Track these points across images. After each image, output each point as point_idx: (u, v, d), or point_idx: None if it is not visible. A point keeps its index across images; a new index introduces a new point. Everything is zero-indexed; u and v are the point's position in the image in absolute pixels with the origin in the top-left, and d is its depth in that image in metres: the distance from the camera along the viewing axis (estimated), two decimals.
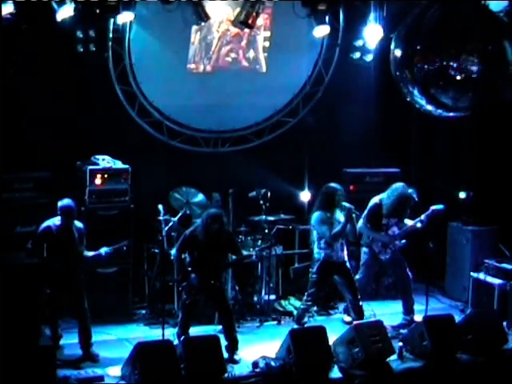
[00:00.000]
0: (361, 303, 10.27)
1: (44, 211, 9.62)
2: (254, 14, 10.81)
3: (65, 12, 9.75)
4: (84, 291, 9.39)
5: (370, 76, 12.02)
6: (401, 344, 9.54)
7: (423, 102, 9.72)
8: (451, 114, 9.94)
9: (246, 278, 10.91)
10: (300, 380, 8.85)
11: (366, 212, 10.55)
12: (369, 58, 11.60)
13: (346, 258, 10.26)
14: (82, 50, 10.13)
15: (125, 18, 10.29)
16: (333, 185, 10.25)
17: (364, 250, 10.70)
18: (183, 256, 9.60)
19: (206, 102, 11.49)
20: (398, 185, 10.62)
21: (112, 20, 10.38)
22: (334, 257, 10.13)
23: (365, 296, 10.57)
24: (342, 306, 10.99)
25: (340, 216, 10.13)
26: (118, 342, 9.94)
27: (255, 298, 10.93)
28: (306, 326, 10.18)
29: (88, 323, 9.39)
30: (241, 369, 9.16)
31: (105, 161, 10.64)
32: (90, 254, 9.39)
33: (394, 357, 9.36)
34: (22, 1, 9.40)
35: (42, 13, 9.78)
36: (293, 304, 11.21)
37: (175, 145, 11.60)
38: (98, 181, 10.48)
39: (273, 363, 8.98)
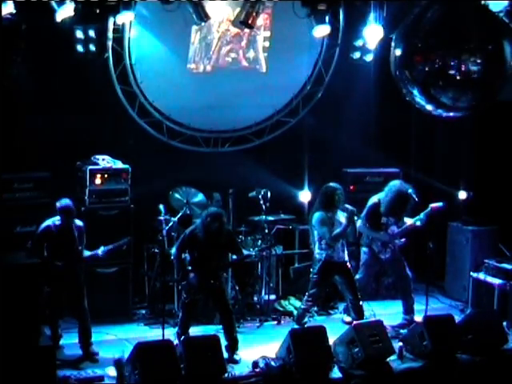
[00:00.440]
0: (361, 303, 10.28)
1: (44, 211, 9.63)
2: (254, 13, 10.81)
3: (65, 12, 9.75)
4: (84, 291, 9.40)
5: (370, 76, 12.02)
6: (401, 344, 9.54)
7: (423, 101, 9.70)
8: (451, 114, 9.93)
9: (245, 278, 10.92)
10: (300, 380, 8.85)
11: (364, 212, 10.55)
12: (369, 58, 11.61)
13: (346, 258, 10.27)
14: (82, 50, 10.14)
15: (125, 18, 10.29)
16: (332, 184, 10.25)
17: (364, 249, 10.70)
18: (183, 255, 9.60)
19: (206, 102, 11.49)
20: (395, 182, 10.63)
21: (112, 20, 10.37)
22: (335, 257, 10.13)
23: (365, 296, 10.58)
24: (342, 306, 10.99)
25: (341, 216, 10.13)
26: (118, 342, 9.94)
27: (255, 298, 10.94)
28: (305, 325, 10.18)
29: (88, 323, 9.40)
30: (241, 369, 9.17)
31: (105, 161, 10.64)
32: (88, 253, 9.40)
33: (393, 357, 9.36)
34: (22, 1, 9.40)
35: (42, 13, 9.78)
36: (293, 304, 11.20)
37: (175, 145, 11.60)
38: (97, 181, 10.48)
39: (273, 363, 8.98)
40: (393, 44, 9.87)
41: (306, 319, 10.35)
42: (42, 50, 10.25)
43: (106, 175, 10.52)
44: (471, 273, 11.35)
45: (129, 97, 11.18)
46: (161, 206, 10.57)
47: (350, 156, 12.02)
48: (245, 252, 10.30)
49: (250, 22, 10.85)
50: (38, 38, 9.95)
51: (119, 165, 10.68)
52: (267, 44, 11.79)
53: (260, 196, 10.91)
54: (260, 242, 10.92)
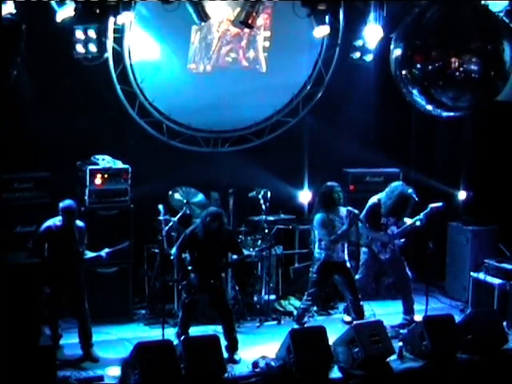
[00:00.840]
0: (361, 303, 10.28)
1: (44, 211, 9.64)
2: (254, 13, 10.80)
3: (65, 12, 9.74)
4: (84, 291, 9.40)
5: (370, 76, 12.02)
6: (401, 344, 9.54)
7: (423, 101, 9.70)
8: (451, 114, 9.93)
9: (245, 278, 10.92)
10: (300, 380, 8.86)
11: (364, 212, 10.55)
12: (369, 58, 11.59)
13: (346, 258, 10.27)
14: (82, 50, 10.13)
15: (125, 18, 10.29)
16: (329, 184, 10.28)
17: (363, 249, 10.71)
18: (183, 255, 9.60)
19: (206, 101, 11.49)
20: (397, 184, 10.64)
21: (112, 20, 10.37)
22: (334, 257, 10.14)
23: (365, 296, 10.59)
24: (342, 306, 10.99)
25: (343, 212, 10.12)
26: (118, 341, 9.94)
27: (255, 298, 10.94)
28: (306, 325, 10.19)
29: (88, 323, 9.40)
30: (241, 369, 9.17)
31: (105, 161, 10.64)
32: (91, 254, 9.39)
33: (393, 357, 9.37)
34: (22, 1, 9.40)
35: (42, 13, 9.78)
36: (293, 304, 11.21)
37: (175, 145, 11.60)
38: (98, 181, 10.48)
39: (273, 363, 8.99)
40: (393, 44, 9.87)
41: (305, 319, 10.35)
42: (42, 50, 10.25)
43: (106, 175, 10.51)
44: (471, 273, 11.35)
45: (129, 97, 11.18)
46: (160, 207, 10.57)
47: (350, 156, 12.01)
48: (245, 252, 10.30)
49: (250, 21, 10.84)
50: (38, 38, 9.94)
51: (119, 165, 10.68)
52: (267, 44, 11.79)
53: (260, 196, 10.92)
54: (260, 242, 10.93)
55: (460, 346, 9.55)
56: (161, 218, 10.54)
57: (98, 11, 9.89)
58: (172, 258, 9.81)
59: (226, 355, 9.15)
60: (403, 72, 9.63)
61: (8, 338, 8.19)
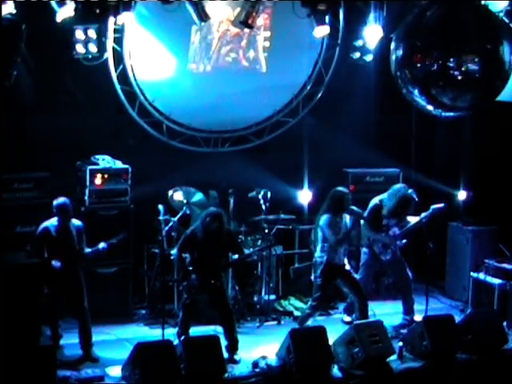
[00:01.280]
0: (367, 303, 10.27)
1: (44, 211, 9.63)
2: (254, 13, 10.80)
3: (65, 12, 9.75)
4: (84, 291, 9.40)
5: (370, 76, 12.03)
6: (401, 344, 9.54)
7: (423, 102, 9.71)
8: (451, 114, 9.94)
9: (245, 278, 10.91)
10: (300, 380, 8.86)
11: (366, 213, 10.54)
12: (369, 58, 11.60)
13: (345, 261, 10.26)
14: (82, 50, 10.13)
15: (125, 18, 10.28)
16: (341, 189, 10.25)
17: (364, 250, 10.70)
18: (184, 256, 9.60)
19: (206, 101, 11.49)
20: (399, 186, 10.66)
21: (112, 20, 10.37)
22: (336, 260, 10.12)
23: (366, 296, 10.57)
24: (342, 306, 10.99)
25: (346, 218, 10.14)
26: (118, 342, 9.94)
27: (255, 298, 10.94)
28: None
29: (88, 323, 9.39)
30: (241, 369, 9.17)
31: (105, 161, 10.64)
32: (89, 250, 9.40)
33: (394, 357, 9.37)
34: (22, 1, 9.40)
35: (42, 13, 9.78)
36: (293, 304, 11.21)
37: (175, 145, 11.60)
38: (98, 181, 10.48)
39: (273, 363, 8.99)
40: (393, 44, 9.87)
41: (309, 322, 10.31)
42: (42, 50, 10.25)
43: (106, 175, 10.51)
44: (471, 273, 11.35)
45: (129, 97, 11.17)
46: (160, 207, 10.57)
47: (350, 156, 12.01)
48: (245, 252, 10.30)
49: (250, 22, 10.84)
50: (38, 38, 9.95)
51: (119, 165, 10.68)
52: (267, 44, 11.79)
53: (260, 196, 10.92)
54: (260, 242, 10.92)
55: (460, 346, 9.55)
56: (161, 218, 10.53)
57: (97, 11, 9.89)
58: (172, 258, 9.80)
59: (226, 355, 9.15)
60: (403, 72, 9.63)
61: (8, 337, 8.19)
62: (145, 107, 11.32)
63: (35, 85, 10.42)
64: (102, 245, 9.35)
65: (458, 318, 9.98)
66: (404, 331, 9.99)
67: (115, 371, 8.86)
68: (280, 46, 11.75)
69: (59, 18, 9.79)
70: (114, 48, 10.81)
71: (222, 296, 9.66)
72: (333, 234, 10.02)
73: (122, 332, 10.22)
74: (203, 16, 10.61)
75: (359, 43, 11.50)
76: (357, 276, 10.54)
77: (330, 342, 9.20)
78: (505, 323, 10.17)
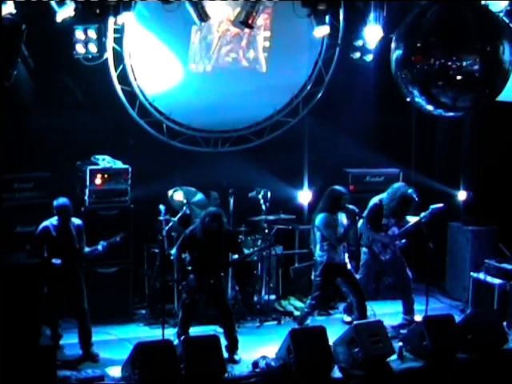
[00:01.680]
0: (366, 303, 10.27)
1: (44, 211, 9.63)
2: (254, 13, 10.81)
3: (65, 12, 9.75)
4: (84, 291, 9.40)
5: (370, 76, 12.02)
6: (401, 344, 9.54)
7: (423, 102, 9.70)
8: (451, 114, 9.93)
9: (245, 278, 10.91)
10: (300, 380, 8.86)
11: (366, 213, 10.54)
12: (369, 58, 11.60)
13: (346, 260, 10.26)
14: (82, 50, 10.13)
15: (125, 18, 10.28)
16: (339, 188, 10.25)
17: (364, 250, 10.70)
18: (183, 256, 9.60)
19: (206, 101, 11.49)
20: (399, 185, 10.65)
21: (112, 20, 10.37)
22: (336, 259, 10.13)
23: (365, 296, 10.56)
24: (342, 306, 10.99)
25: (343, 218, 10.14)
26: (118, 342, 9.94)
27: (255, 298, 10.94)
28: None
29: (88, 323, 9.40)
30: (241, 369, 9.17)
31: (105, 161, 10.65)
32: (88, 249, 9.41)
33: (394, 357, 9.37)
34: (22, 1, 9.40)
35: (42, 13, 9.78)
36: (293, 304, 11.21)
37: (175, 145, 11.60)
38: (98, 181, 10.48)
39: (273, 363, 8.99)
40: (393, 44, 9.86)
41: (308, 321, 10.32)
42: (42, 49, 10.25)
43: (106, 175, 10.51)
44: (471, 273, 11.35)
45: (129, 97, 11.17)
46: (161, 207, 10.57)
47: (350, 156, 12.01)
48: (245, 252, 10.30)
49: (250, 21, 10.85)
50: (38, 38, 9.95)
51: (119, 165, 10.69)
52: (267, 44, 11.78)
53: (260, 196, 10.92)
54: (260, 242, 10.92)
55: (460, 345, 9.55)
56: (161, 217, 10.53)
57: (97, 11, 9.89)
58: (172, 258, 9.81)
59: (226, 355, 9.15)
60: (403, 72, 9.63)
61: (8, 337, 8.19)
62: (145, 107, 11.32)
63: (35, 85, 10.42)
64: (100, 244, 9.35)
65: (458, 318, 9.97)
66: (404, 331, 9.99)
67: (115, 371, 8.86)
68: (280, 46, 11.75)
69: (59, 18, 9.80)
70: (114, 48, 10.81)
71: (222, 296, 9.66)
72: (332, 233, 10.02)
73: (122, 332, 10.22)
74: (203, 16, 10.61)
75: (359, 43, 11.50)
76: (357, 276, 10.55)
77: (330, 342, 9.20)
78: (505, 323, 10.16)
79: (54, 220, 9.28)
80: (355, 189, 11.79)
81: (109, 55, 10.72)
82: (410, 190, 10.50)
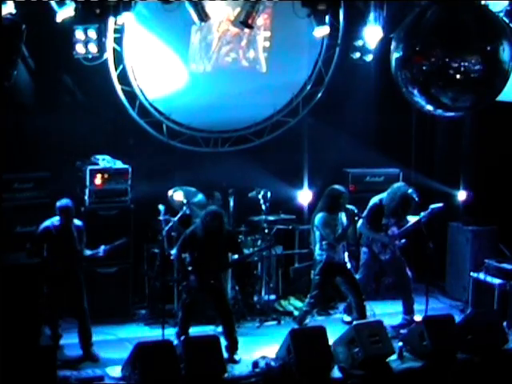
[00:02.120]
0: (364, 303, 10.27)
1: (44, 211, 9.63)
2: (254, 13, 10.81)
3: (65, 12, 9.76)
4: (84, 291, 9.40)
5: (370, 76, 12.02)
6: (401, 344, 9.54)
7: (423, 101, 9.70)
8: (451, 114, 9.93)
9: (245, 278, 10.91)
10: (300, 380, 8.86)
11: (366, 212, 10.54)
12: (369, 58, 11.60)
13: (346, 259, 10.27)
14: (82, 49, 10.13)
15: (125, 18, 10.28)
16: (338, 188, 10.26)
17: (364, 249, 10.71)
18: (183, 255, 9.60)
19: (206, 101, 11.49)
20: (399, 185, 10.65)
21: (112, 20, 10.37)
22: (335, 258, 10.14)
23: (365, 296, 10.56)
24: (342, 306, 10.99)
25: (342, 217, 10.14)
26: (118, 342, 9.94)
27: (255, 298, 10.94)
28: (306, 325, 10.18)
29: (88, 323, 9.40)
30: (241, 369, 9.17)
31: (105, 161, 10.65)
32: (89, 252, 9.41)
33: (394, 357, 9.37)
34: (22, 1, 9.41)
35: (42, 13, 9.78)
36: (293, 304, 11.21)
37: (175, 145, 11.60)
38: (98, 181, 10.48)
39: (273, 363, 8.99)
40: (393, 44, 9.87)
41: (307, 320, 10.33)
42: (42, 49, 10.25)
43: (106, 175, 10.52)
44: (471, 273, 11.35)
45: (129, 97, 11.17)
46: (161, 207, 10.57)
47: (350, 156, 12.01)
48: (245, 252, 10.29)
49: (250, 21, 10.85)
50: (38, 38, 9.95)
51: (119, 165, 10.69)
52: (267, 44, 11.79)
53: (260, 196, 10.92)
54: (260, 242, 10.92)
55: (460, 345, 9.55)
56: (161, 218, 10.53)
57: (98, 11, 9.89)
58: (172, 258, 9.81)
59: (226, 355, 9.15)
60: (403, 72, 9.63)
61: (8, 337, 8.19)
62: (145, 107, 11.32)
63: (35, 85, 10.42)
64: (101, 249, 9.35)
65: (458, 318, 9.98)
66: (404, 331, 9.99)
67: (115, 371, 8.86)
68: (280, 46, 11.75)
69: (59, 18, 9.80)
70: (114, 48, 10.81)
71: (222, 296, 9.66)
72: (330, 232, 10.03)
73: (122, 332, 10.22)
74: (203, 16, 10.61)
75: (359, 43, 11.50)
76: (357, 276, 10.56)
77: (330, 342, 9.20)
78: (505, 323, 10.17)
79: (55, 220, 9.28)
80: (355, 189, 11.79)
81: (109, 55, 10.72)
82: (410, 190, 10.50)
